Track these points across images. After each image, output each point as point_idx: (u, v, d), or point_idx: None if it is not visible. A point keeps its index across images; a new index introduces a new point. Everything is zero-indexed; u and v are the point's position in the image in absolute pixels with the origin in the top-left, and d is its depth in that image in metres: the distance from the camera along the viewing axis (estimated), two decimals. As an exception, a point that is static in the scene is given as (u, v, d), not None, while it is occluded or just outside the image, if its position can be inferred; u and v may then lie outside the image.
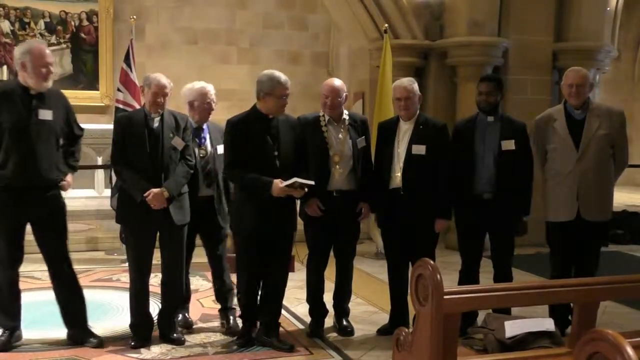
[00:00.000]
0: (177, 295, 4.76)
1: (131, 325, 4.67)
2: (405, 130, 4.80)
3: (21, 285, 6.05)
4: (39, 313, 5.36)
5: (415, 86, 4.85)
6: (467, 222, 4.89)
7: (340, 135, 4.84)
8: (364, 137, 4.90)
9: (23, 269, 6.65)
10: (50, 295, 5.84)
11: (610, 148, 4.78)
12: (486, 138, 4.78)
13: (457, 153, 4.84)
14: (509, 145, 4.73)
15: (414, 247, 4.71)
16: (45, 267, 6.73)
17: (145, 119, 4.53)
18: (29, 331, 4.88)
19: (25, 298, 5.74)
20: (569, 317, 4.45)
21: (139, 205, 4.42)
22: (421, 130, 4.76)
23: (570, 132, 4.76)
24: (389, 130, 4.91)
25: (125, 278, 6.38)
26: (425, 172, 4.70)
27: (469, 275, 4.89)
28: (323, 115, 4.85)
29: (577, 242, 4.81)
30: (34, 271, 6.65)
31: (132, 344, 4.53)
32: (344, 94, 4.86)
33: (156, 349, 4.54)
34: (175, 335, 4.65)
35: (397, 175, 4.75)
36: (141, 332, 4.62)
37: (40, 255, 7.20)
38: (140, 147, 4.46)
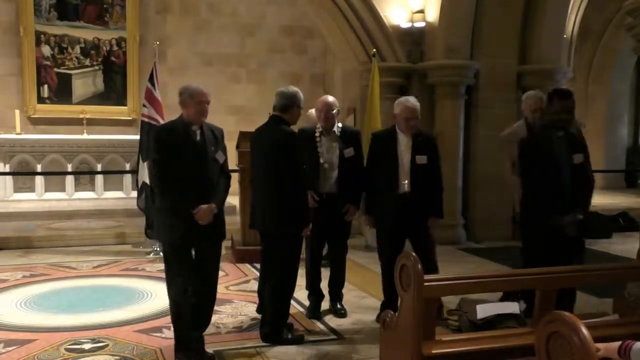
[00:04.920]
0: (213, 302, 4.13)
1: (181, 343, 3.92)
2: (405, 142, 4.65)
3: (60, 274, 6.09)
4: (76, 298, 5.34)
5: (419, 108, 4.69)
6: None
7: (330, 146, 4.83)
8: (351, 147, 4.85)
9: (61, 260, 6.70)
10: (85, 282, 5.86)
11: None
12: (561, 152, 4.31)
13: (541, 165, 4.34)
14: (578, 159, 4.34)
15: (417, 245, 4.61)
16: (80, 258, 6.77)
17: (187, 132, 3.80)
18: (65, 314, 4.86)
19: (64, 285, 5.77)
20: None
21: (184, 222, 3.73)
22: (420, 142, 4.64)
23: None
24: (386, 141, 4.72)
25: (150, 267, 6.40)
26: (427, 178, 4.61)
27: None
28: (318, 127, 4.85)
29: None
30: (71, 262, 6.65)
31: None
32: (336, 108, 4.84)
33: (176, 329, 4.52)
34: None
35: (405, 182, 4.60)
36: (191, 348, 3.90)
37: (77, 248, 7.29)
38: (187, 161, 3.74)
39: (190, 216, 3.71)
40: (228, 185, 4.01)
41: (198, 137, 3.81)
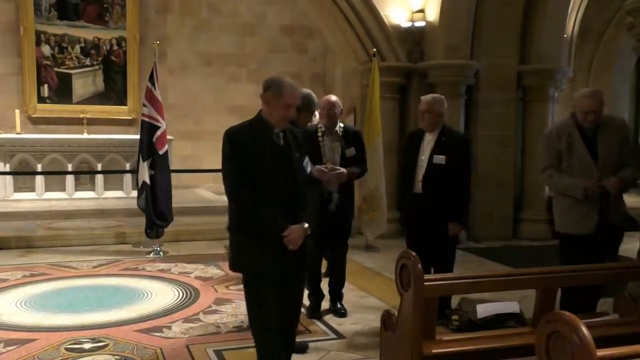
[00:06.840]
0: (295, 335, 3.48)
1: None
2: (429, 140, 4.63)
3: (60, 274, 6.09)
4: (76, 298, 5.34)
5: (439, 104, 4.60)
6: None
7: (332, 145, 4.82)
8: (353, 147, 4.85)
9: (61, 259, 6.69)
10: (85, 282, 5.86)
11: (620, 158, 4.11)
12: None
13: None
14: None
15: (432, 247, 4.53)
16: (80, 258, 6.75)
17: (269, 135, 3.08)
18: (65, 314, 4.86)
19: (64, 284, 5.76)
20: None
21: (272, 246, 3.02)
22: (443, 141, 4.58)
23: (587, 147, 4.08)
24: (414, 139, 4.73)
25: (150, 267, 6.40)
26: (444, 180, 4.49)
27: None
28: (321, 127, 4.85)
29: (595, 248, 4.15)
30: (71, 261, 6.65)
31: None
32: (339, 108, 4.84)
33: (176, 329, 4.52)
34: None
35: (419, 181, 4.59)
36: None
37: (77, 248, 7.28)
38: (272, 171, 3.03)
39: (278, 239, 3.01)
40: (317, 201, 3.28)
41: (282, 141, 3.11)
